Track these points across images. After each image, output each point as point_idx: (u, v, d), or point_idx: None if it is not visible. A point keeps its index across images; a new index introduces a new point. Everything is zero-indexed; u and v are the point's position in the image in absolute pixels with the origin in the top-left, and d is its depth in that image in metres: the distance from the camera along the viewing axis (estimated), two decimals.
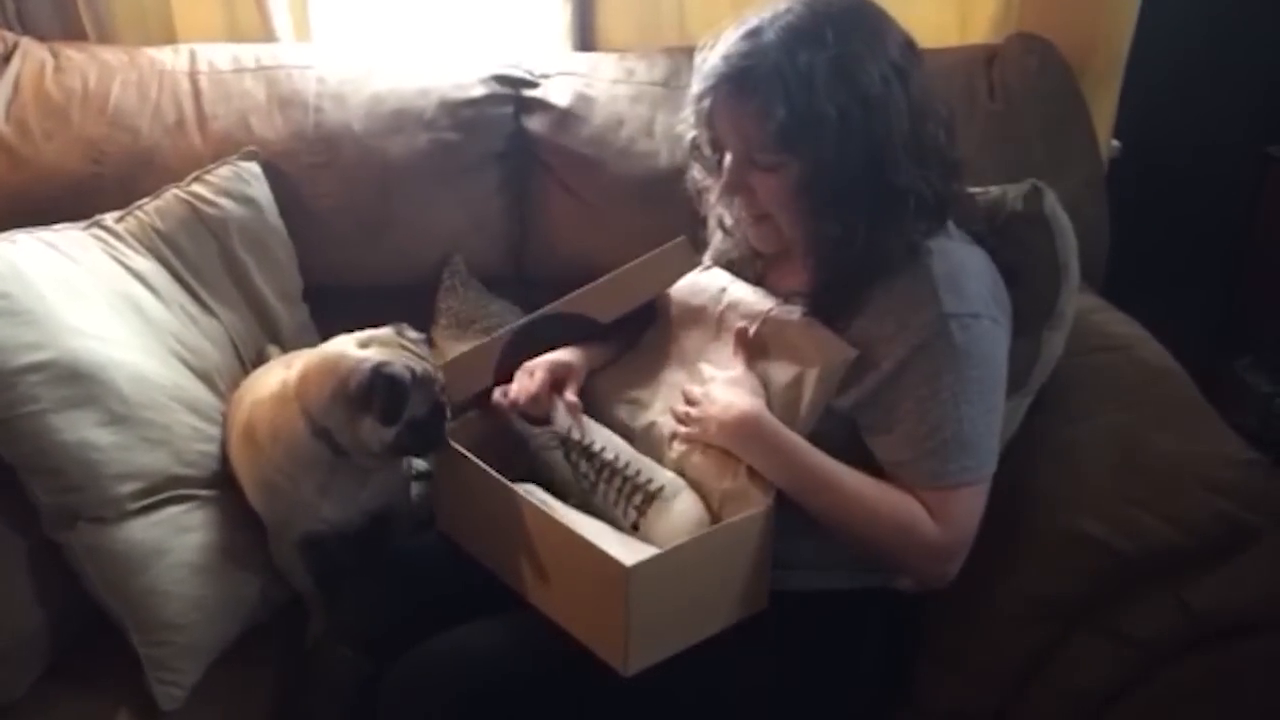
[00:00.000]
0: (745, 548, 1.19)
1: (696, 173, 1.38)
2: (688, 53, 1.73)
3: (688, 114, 1.31)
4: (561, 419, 1.34)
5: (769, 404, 1.24)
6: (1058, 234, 1.32)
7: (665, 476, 1.28)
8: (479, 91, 1.79)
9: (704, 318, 1.37)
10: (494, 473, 1.27)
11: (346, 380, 1.26)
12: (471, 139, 1.78)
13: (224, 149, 1.73)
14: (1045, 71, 1.76)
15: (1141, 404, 1.35)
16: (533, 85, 1.83)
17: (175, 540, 1.38)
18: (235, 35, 1.97)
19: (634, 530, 1.24)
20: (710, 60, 1.22)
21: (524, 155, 1.82)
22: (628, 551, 1.17)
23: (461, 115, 1.78)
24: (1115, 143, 2.05)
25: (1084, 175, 1.73)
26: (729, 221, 1.38)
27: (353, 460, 1.33)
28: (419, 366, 1.30)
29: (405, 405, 1.27)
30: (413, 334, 1.36)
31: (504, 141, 1.81)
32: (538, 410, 1.36)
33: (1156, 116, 2.14)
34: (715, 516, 1.25)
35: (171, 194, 1.66)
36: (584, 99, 1.80)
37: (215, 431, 1.51)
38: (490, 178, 1.81)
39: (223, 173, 1.69)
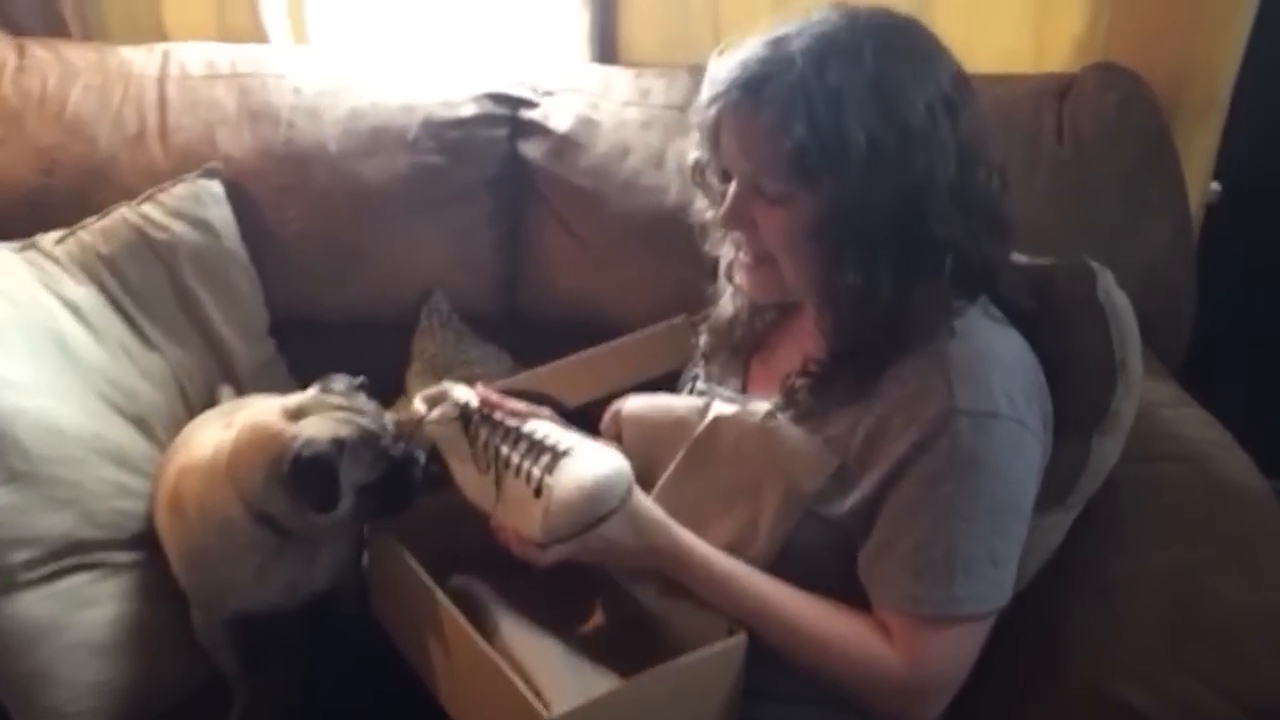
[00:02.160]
0: (708, 690, 1.03)
1: (701, 204, 1.24)
2: None
3: (694, 129, 1.16)
4: (461, 392, 1.18)
5: (712, 519, 1.11)
6: (1113, 324, 1.13)
7: (581, 439, 1.11)
8: (469, 110, 1.66)
9: (678, 438, 1.20)
10: (421, 571, 1.14)
11: (278, 463, 1.15)
12: (458, 164, 1.65)
13: (186, 164, 1.63)
14: (1127, 110, 1.54)
15: (1211, 537, 1.15)
16: (530, 105, 1.69)
17: (74, 616, 1.27)
18: (228, 35, 1.88)
19: (537, 496, 1.06)
20: (725, 64, 1.08)
21: (517, 184, 1.68)
22: (568, 682, 1.02)
23: (448, 137, 1.65)
24: (1215, 185, 1.81)
25: (1167, 236, 1.51)
26: (734, 268, 1.22)
27: (302, 538, 1.22)
28: (350, 430, 1.17)
29: (336, 486, 1.15)
30: (340, 385, 1.22)
31: (495, 168, 1.67)
32: None
33: (1266, 156, 1.89)
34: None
35: (119, 214, 1.56)
36: (587, 123, 1.65)
37: (142, 485, 1.39)
38: (478, 208, 1.67)
39: (178, 192, 1.59)
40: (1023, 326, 1.12)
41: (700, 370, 1.32)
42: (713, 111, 1.08)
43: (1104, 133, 1.53)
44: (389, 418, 1.23)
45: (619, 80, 1.71)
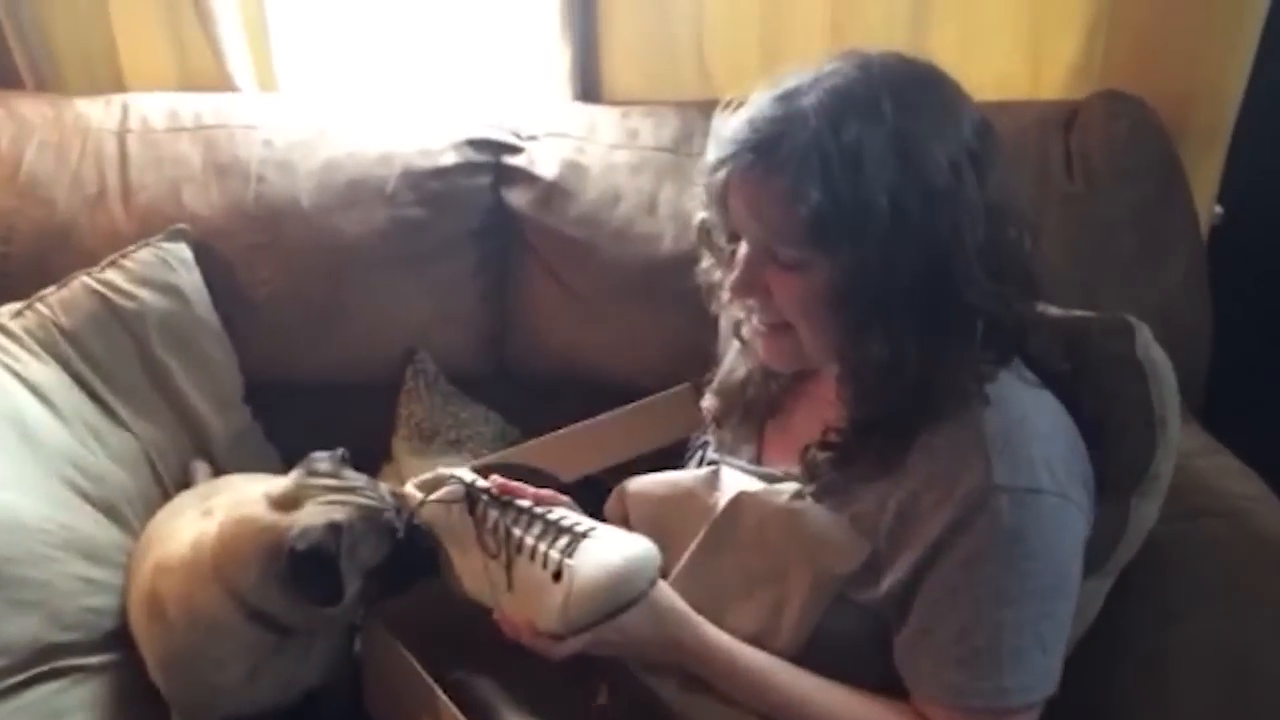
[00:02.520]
0: None
1: (707, 263, 1.17)
2: (704, 110, 1.56)
3: (699, 189, 1.09)
4: (465, 473, 1.12)
5: (733, 605, 1.05)
6: (1153, 383, 1.07)
7: (600, 524, 1.05)
8: (449, 159, 1.59)
9: (689, 512, 1.14)
10: (418, 667, 1.08)
11: (274, 557, 1.08)
12: (440, 215, 1.58)
13: (151, 225, 1.55)
14: (1138, 139, 1.49)
15: (1257, 601, 1.09)
16: (514, 150, 1.62)
17: None
18: (190, 84, 1.81)
19: (556, 580, 0.99)
20: (732, 123, 1.01)
21: (503, 235, 1.62)
22: None
23: (429, 188, 1.58)
24: (1218, 208, 1.76)
25: (1182, 271, 1.46)
26: (746, 331, 1.16)
27: (302, 632, 1.16)
28: (347, 512, 1.10)
29: (338, 577, 1.07)
30: (324, 464, 1.15)
31: (479, 218, 1.60)
32: None
33: (1269, 175, 1.84)
34: None
35: (80, 282, 1.48)
36: (575, 168, 1.58)
37: (113, 578, 1.30)
38: (462, 261, 1.61)
39: (143, 257, 1.51)
40: (1057, 386, 1.05)
41: (710, 437, 1.25)
42: (721, 174, 1.02)
43: (1115, 164, 1.48)
44: (385, 488, 1.17)
45: (605, 121, 1.64)
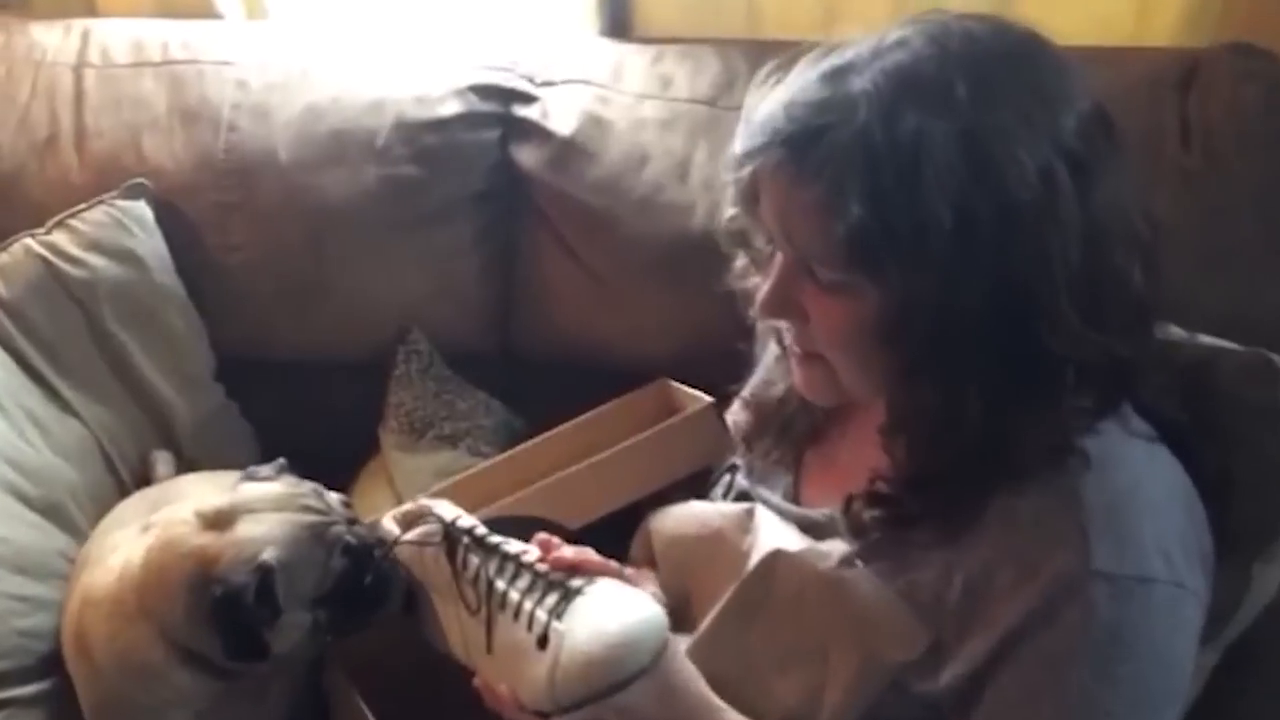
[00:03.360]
0: None
1: (742, 263, 1.00)
2: (749, 54, 1.36)
3: (726, 179, 0.92)
4: (445, 508, 0.97)
5: (764, 682, 0.89)
6: None
7: (602, 577, 0.90)
8: (451, 108, 1.39)
9: (718, 555, 0.98)
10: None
11: (200, 593, 0.95)
12: (438, 176, 1.40)
13: (107, 178, 1.39)
14: (1273, 105, 1.25)
15: None
16: (526, 100, 1.42)
17: None
18: (171, 8, 1.61)
19: (541, 646, 0.85)
20: (766, 106, 0.83)
21: (510, 199, 1.43)
22: None
23: (425, 142, 1.39)
24: None
25: None
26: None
27: (251, 676, 1.02)
28: (285, 531, 0.97)
29: (277, 618, 0.95)
30: (264, 472, 1.05)
31: (483, 180, 1.42)
32: None
33: None
34: None
35: (22, 246, 1.32)
36: (596, 123, 1.38)
37: (54, 593, 1.16)
38: (463, 229, 1.42)
39: (95, 217, 1.35)
40: (1171, 432, 0.87)
41: (740, 460, 1.07)
42: (747, 171, 0.84)
43: (1242, 136, 1.24)
44: (335, 498, 1.04)
45: (634, 65, 1.43)
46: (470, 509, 1.20)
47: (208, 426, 1.39)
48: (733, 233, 0.95)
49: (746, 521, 0.97)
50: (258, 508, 0.99)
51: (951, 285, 0.78)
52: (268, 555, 0.94)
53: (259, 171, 1.38)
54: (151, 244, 1.35)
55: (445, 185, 1.39)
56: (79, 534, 1.22)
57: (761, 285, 0.90)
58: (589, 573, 0.89)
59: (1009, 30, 0.81)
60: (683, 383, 1.25)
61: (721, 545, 0.98)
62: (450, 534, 0.93)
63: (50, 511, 1.21)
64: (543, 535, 0.93)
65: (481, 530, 0.93)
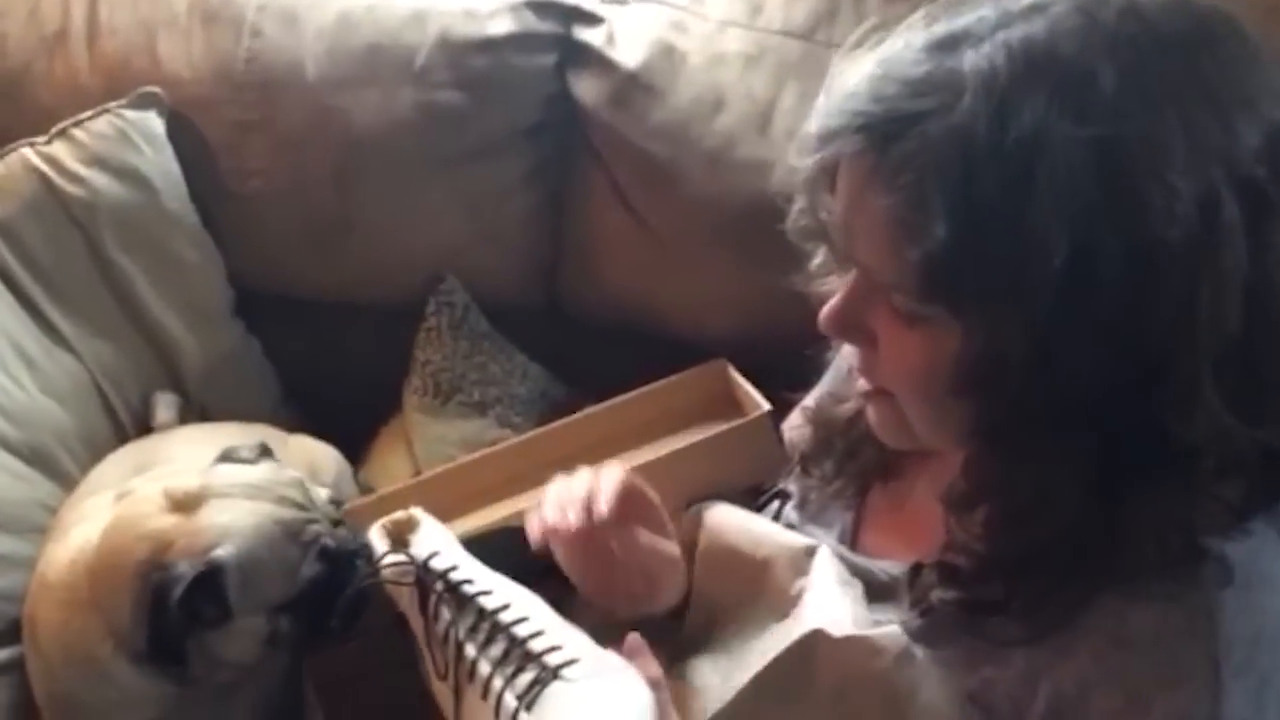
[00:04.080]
0: None
1: (822, 257, 0.83)
2: None
3: (802, 162, 0.72)
4: (427, 539, 0.83)
5: None
6: None
7: (583, 646, 0.75)
8: (502, 25, 1.24)
9: (764, 588, 0.85)
10: None
11: (149, 594, 0.85)
12: (484, 105, 1.24)
13: (118, 83, 1.25)
14: None
15: None
16: (591, 20, 1.25)
17: None
18: None
19: None
20: (852, 77, 0.67)
21: (564, 136, 1.27)
22: None
23: (471, 65, 1.23)
24: None
25: None
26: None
27: (210, 681, 0.92)
28: (255, 520, 0.87)
29: (226, 619, 0.86)
30: (244, 454, 0.95)
31: (535, 112, 1.26)
32: None
33: None
34: None
35: (19, 156, 1.21)
36: (668, 55, 1.21)
37: (31, 550, 1.05)
38: (509, 167, 1.27)
39: (99, 128, 1.22)
40: None
41: (794, 485, 0.92)
42: (825, 156, 0.67)
43: None
44: (321, 494, 0.95)
45: None
46: (490, 494, 1.09)
47: (220, 368, 1.28)
48: (804, 227, 0.78)
49: (804, 562, 0.82)
50: (230, 493, 0.89)
51: (1055, 337, 0.61)
52: (223, 550, 0.84)
53: (282, 87, 1.24)
54: (160, 163, 1.23)
55: (491, 116, 1.25)
56: (68, 483, 1.13)
57: (831, 301, 0.73)
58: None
59: (1188, 6, 0.62)
60: (742, 365, 1.10)
61: (768, 576, 0.84)
62: (423, 579, 0.79)
63: (35, 458, 1.12)
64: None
65: (457, 575, 0.78)
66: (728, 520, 0.90)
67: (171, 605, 0.82)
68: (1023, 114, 0.59)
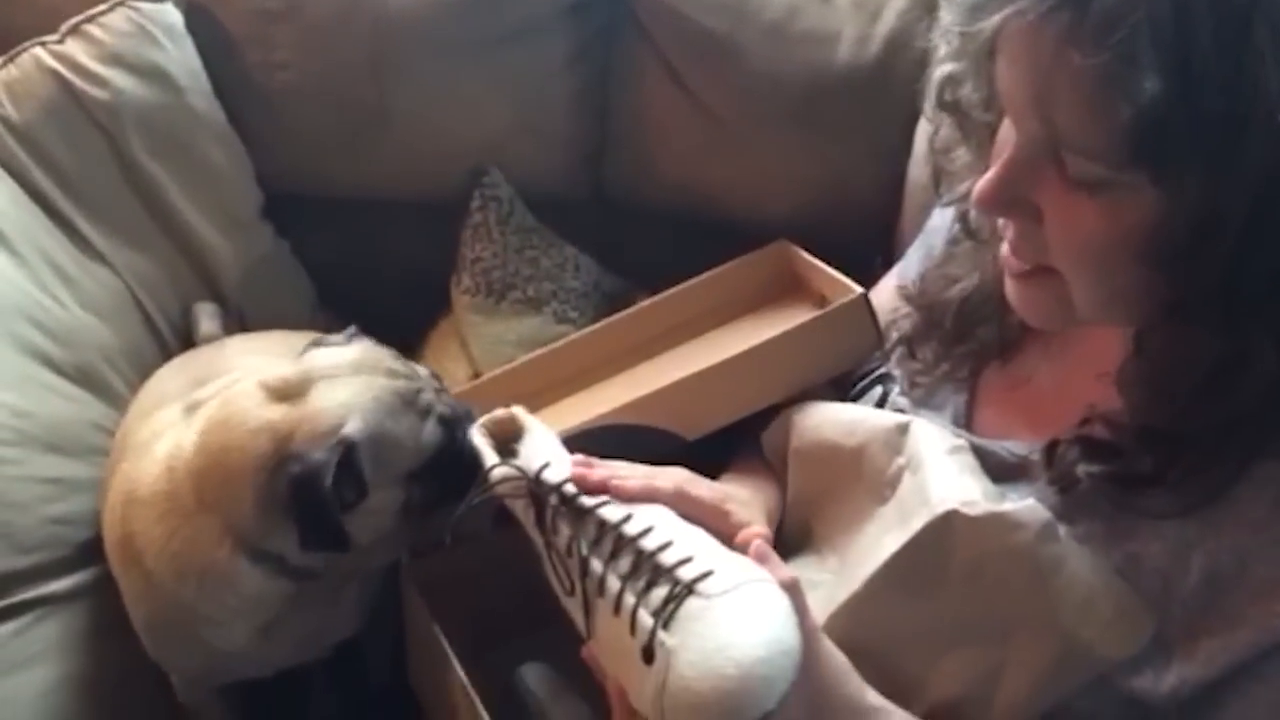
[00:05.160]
0: None
1: (949, 133, 0.81)
2: None
3: (948, 22, 0.70)
4: (535, 446, 0.81)
5: (928, 655, 0.77)
6: None
7: (715, 555, 0.72)
8: None
9: (860, 474, 0.84)
10: (453, 657, 0.86)
11: (274, 479, 0.82)
12: None
13: None
14: None
15: None
16: None
17: None
18: None
19: (648, 661, 0.70)
20: None
21: (611, 11, 1.24)
22: None
23: None
24: None
25: None
26: (985, 235, 0.83)
27: (332, 574, 0.91)
28: (370, 397, 0.85)
29: (363, 498, 0.83)
30: (335, 338, 0.93)
31: None
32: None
33: None
34: None
35: (32, 58, 1.14)
36: None
37: (89, 471, 1.04)
38: (553, 48, 1.23)
39: (115, 23, 1.15)
40: None
41: (895, 366, 0.90)
42: (994, 21, 0.63)
43: None
44: (420, 368, 0.92)
45: None
46: (559, 389, 1.07)
47: (256, 273, 1.24)
48: (946, 100, 0.75)
49: (897, 440, 0.81)
50: (335, 374, 0.86)
51: (1269, 202, 0.59)
52: (350, 428, 0.82)
53: None
54: (182, 58, 1.16)
55: None
56: (118, 402, 1.10)
57: (976, 169, 0.71)
58: (624, 498, 0.74)
59: None
60: (809, 242, 1.08)
61: (863, 462, 0.83)
62: (537, 494, 0.77)
63: (83, 378, 1.08)
64: (580, 457, 0.78)
65: (572, 487, 0.76)
66: (817, 414, 0.90)
67: (325, 491, 0.80)
68: None
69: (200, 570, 0.87)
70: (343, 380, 0.85)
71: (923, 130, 1.07)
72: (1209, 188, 0.59)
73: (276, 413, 0.83)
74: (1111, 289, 0.67)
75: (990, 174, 0.68)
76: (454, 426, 0.87)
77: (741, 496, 0.88)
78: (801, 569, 0.83)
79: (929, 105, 0.76)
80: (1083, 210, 0.65)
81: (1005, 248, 0.74)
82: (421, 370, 0.91)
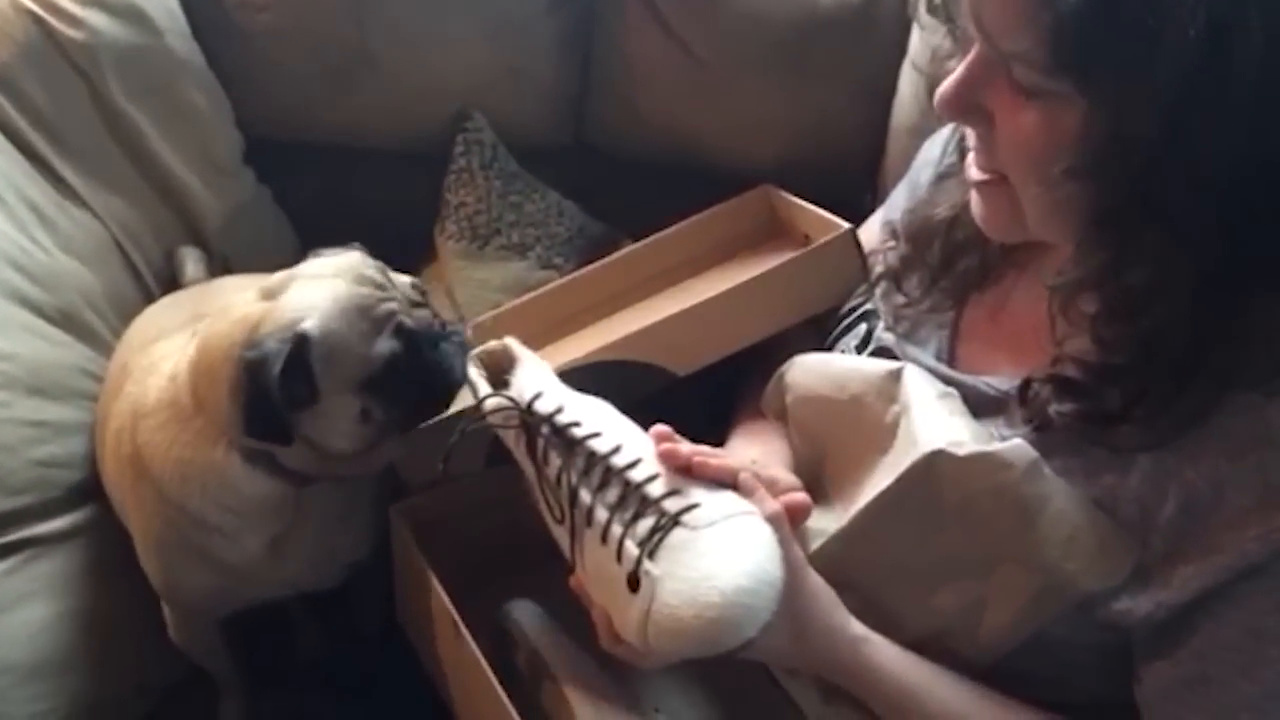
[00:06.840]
0: None
1: (937, 39, 0.86)
2: None
3: None
4: (527, 377, 0.82)
5: (914, 589, 0.79)
6: None
7: (708, 491, 0.75)
8: None
9: (860, 425, 0.84)
10: (442, 591, 0.86)
11: (245, 374, 0.84)
12: None
13: None
14: None
15: None
16: None
17: None
18: None
19: (633, 589, 0.72)
20: None
21: None
22: None
23: None
24: None
25: None
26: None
27: (328, 481, 0.92)
28: (332, 297, 0.85)
29: (314, 398, 0.84)
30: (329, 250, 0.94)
31: None
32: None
33: None
34: None
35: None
36: None
37: (76, 414, 1.05)
38: None
39: None
40: None
41: (879, 302, 0.91)
42: None
43: None
44: (403, 280, 0.93)
45: None
46: (551, 334, 1.07)
47: (238, 219, 1.25)
48: (935, 3, 0.76)
49: (891, 388, 0.82)
50: (314, 276, 0.88)
51: (1184, 118, 0.60)
52: (308, 324, 0.83)
53: None
54: (162, 1, 1.15)
55: None
56: (101, 345, 1.10)
57: (944, 84, 0.71)
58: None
59: None
60: (795, 184, 1.08)
61: (860, 413, 0.84)
62: (528, 423, 0.78)
63: (65, 321, 1.08)
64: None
65: (564, 418, 0.77)
66: (809, 369, 0.90)
67: (273, 379, 0.81)
68: None
69: (202, 472, 0.89)
70: (316, 282, 0.87)
71: (908, 72, 1.08)
72: (1124, 96, 0.61)
73: (257, 309, 0.86)
74: (1053, 200, 0.69)
75: (950, 78, 0.70)
76: (419, 341, 0.88)
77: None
78: (816, 520, 0.83)
79: (921, 10, 0.76)
80: (1026, 117, 0.67)
81: (970, 159, 0.75)
82: (403, 280, 0.91)
